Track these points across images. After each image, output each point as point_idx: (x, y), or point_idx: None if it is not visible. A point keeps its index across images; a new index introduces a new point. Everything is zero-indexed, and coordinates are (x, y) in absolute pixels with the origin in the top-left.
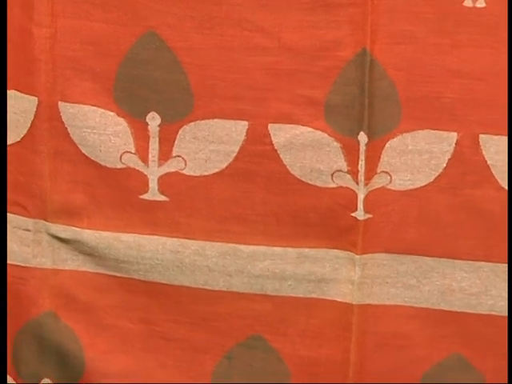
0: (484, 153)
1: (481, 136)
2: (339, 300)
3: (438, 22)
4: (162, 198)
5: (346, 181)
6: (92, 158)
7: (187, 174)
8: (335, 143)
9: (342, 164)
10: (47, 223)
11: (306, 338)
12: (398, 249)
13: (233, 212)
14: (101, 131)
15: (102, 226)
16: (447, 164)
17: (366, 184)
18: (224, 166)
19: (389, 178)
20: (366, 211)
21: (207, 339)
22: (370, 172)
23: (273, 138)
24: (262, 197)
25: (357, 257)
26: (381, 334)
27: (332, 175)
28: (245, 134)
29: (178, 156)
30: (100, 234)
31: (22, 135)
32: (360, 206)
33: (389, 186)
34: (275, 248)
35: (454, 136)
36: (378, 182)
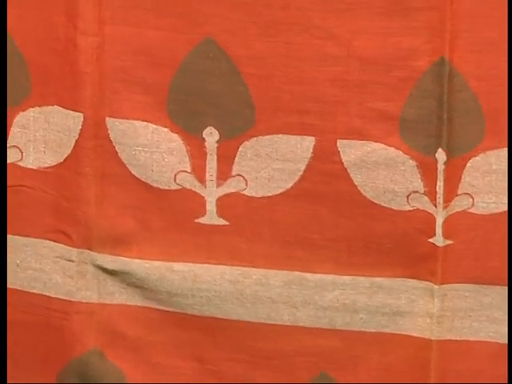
0: None
1: None
2: (416, 335)
3: None
4: (221, 221)
5: (424, 203)
6: (143, 179)
7: (248, 194)
8: (411, 161)
9: (419, 184)
10: (92, 253)
11: (378, 378)
12: (481, 279)
13: (299, 237)
14: (153, 149)
15: (153, 255)
16: None
17: (445, 207)
18: (289, 185)
19: (471, 200)
20: (446, 237)
21: (268, 380)
22: (450, 194)
23: (342, 156)
24: (330, 220)
25: (436, 287)
26: (463, 373)
27: (408, 197)
28: (311, 150)
29: (239, 175)
30: (151, 263)
31: (65, 156)
32: (439, 231)
33: (471, 210)
34: (345, 277)
35: None
36: (459, 204)
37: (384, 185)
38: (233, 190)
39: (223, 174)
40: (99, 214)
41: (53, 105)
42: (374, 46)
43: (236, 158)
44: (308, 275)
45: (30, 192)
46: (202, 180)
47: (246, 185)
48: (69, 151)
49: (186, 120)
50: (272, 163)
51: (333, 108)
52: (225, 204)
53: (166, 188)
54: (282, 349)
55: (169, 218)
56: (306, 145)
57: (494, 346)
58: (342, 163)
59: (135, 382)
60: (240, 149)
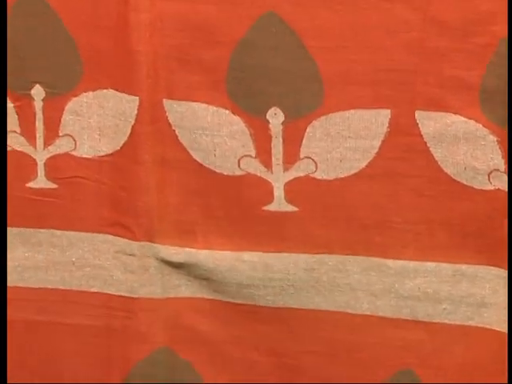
0: None
1: None
2: (498, 329)
3: None
4: (291, 207)
5: (504, 182)
6: (205, 165)
7: (319, 177)
8: (491, 136)
9: (500, 162)
10: (155, 245)
11: (463, 374)
12: None
13: (376, 220)
14: (214, 133)
15: (220, 245)
16: None
17: None
18: (363, 164)
19: None
20: None
21: (348, 374)
22: None
23: (421, 128)
24: (410, 200)
25: None
26: None
27: (489, 175)
28: (387, 124)
29: (308, 157)
30: (219, 254)
31: (121, 143)
32: None
33: None
34: (428, 263)
35: None
36: None
37: (465, 161)
38: (301, 174)
39: (290, 157)
40: (161, 203)
41: (107, 88)
42: (451, 10)
43: (304, 140)
44: (388, 261)
45: (85, 183)
46: (267, 164)
47: (316, 167)
48: (125, 138)
49: (247, 101)
50: (344, 142)
51: (409, 78)
52: (294, 189)
53: (231, 174)
54: (363, 341)
55: (235, 206)
56: (381, 119)
57: None
58: (422, 136)
59: (210, 380)
60: (308, 129)
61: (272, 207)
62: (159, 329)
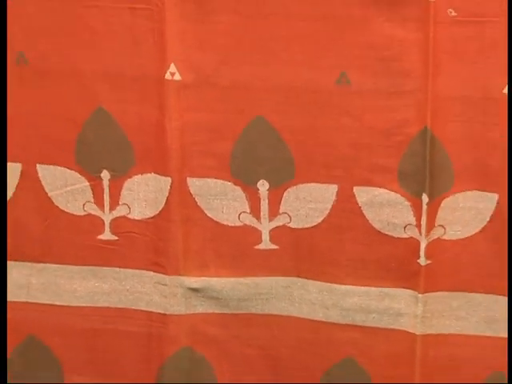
0: None
1: None
2: (409, 331)
3: (484, 105)
4: (273, 246)
5: (414, 233)
6: (216, 220)
7: (292, 227)
8: (406, 202)
9: (411, 219)
10: (181, 277)
11: (387, 361)
12: (452, 288)
13: (329, 257)
14: (222, 197)
15: (225, 274)
16: (491, 218)
17: (426, 235)
18: (320, 220)
19: (443, 230)
20: (427, 258)
21: (312, 360)
22: (430, 225)
23: (357, 198)
24: (351, 246)
25: (420, 295)
26: (438, 358)
27: (404, 228)
28: (335, 194)
29: (284, 213)
30: (224, 280)
31: (159, 209)
32: (422, 253)
33: (444, 237)
34: (362, 288)
35: (495, 196)
36: (436, 233)
37: (387, 219)
38: (280, 224)
39: (273, 213)
40: (185, 248)
41: (150, 172)
42: (379, 119)
43: (282, 201)
44: (336, 285)
45: (136, 236)
46: (258, 217)
47: (290, 219)
48: (162, 205)
49: (244, 176)
50: (308, 204)
51: (350, 164)
52: (275, 234)
53: (233, 225)
54: (320, 338)
55: (235, 246)
56: (331, 190)
57: (460, 338)
58: (358, 203)
59: (217, 367)
60: (284, 194)
61: (261, 246)
62: (183, 335)
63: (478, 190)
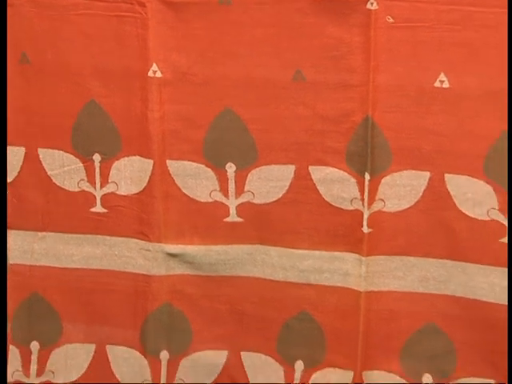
0: (448, 186)
1: (446, 175)
2: (355, 288)
3: (417, 97)
4: (239, 219)
5: (359, 205)
6: (191, 196)
7: (256, 202)
8: (352, 179)
9: (356, 193)
10: (162, 244)
11: (336, 313)
12: (390, 252)
13: (287, 227)
14: (196, 177)
15: (199, 242)
16: (423, 193)
17: (368, 208)
18: (280, 195)
19: (383, 203)
20: (369, 227)
21: (270, 314)
22: (371, 199)
23: (312, 176)
24: (306, 216)
25: (363, 258)
26: (379, 311)
27: (351, 201)
28: (293, 173)
29: (249, 191)
30: (198, 247)
31: (143, 186)
32: (365, 223)
33: (383, 209)
34: (316, 251)
35: (427, 174)
36: (377, 206)
37: (337, 194)
38: (245, 200)
39: (239, 191)
40: (165, 220)
41: (135, 155)
42: (329, 108)
43: (247, 181)
44: (294, 250)
45: (123, 209)
46: (226, 195)
47: (254, 196)
48: (145, 183)
49: (214, 159)
50: (269, 182)
51: (306, 147)
52: (241, 209)
53: (205, 201)
54: (279, 295)
55: (207, 219)
56: (289, 170)
57: (398, 294)
58: (312, 180)
59: (192, 319)
60: (249, 175)
61: (229, 219)
62: (163, 292)
63: (413, 169)
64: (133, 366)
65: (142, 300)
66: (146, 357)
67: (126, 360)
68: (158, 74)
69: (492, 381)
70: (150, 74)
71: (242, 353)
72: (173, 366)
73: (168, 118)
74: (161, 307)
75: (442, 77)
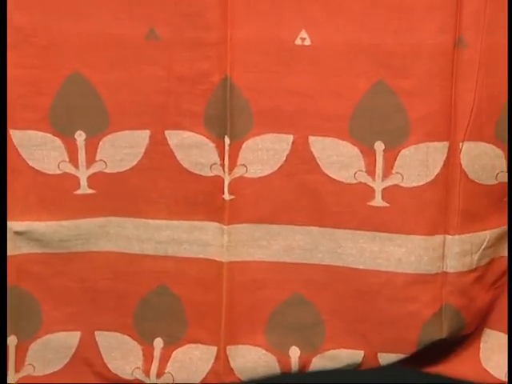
0: (312, 149)
1: (310, 137)
2: (216, 259)
3: (278, 55)
4: (91, 191)
5: (219, 171)
6: (37, 169)
7: (108, 172)
8: (211, 144)
9: (216, 159)
10: (9, 222)
11: (197, 286)
12: (253, 220)
13: (143, 196)
14: (43, 147)
15: (47, 218)
16: (286, 157)
17: (229, 173)
18: (135, 163)
19: (245, 168)
20: (230, 193)
21: (126, 289)
22: (232, 165)
23: (168, 141)
24: (163, 184)
25: (225, 227)
26: (243, 282)
27: (210, 167)
28: (148, 139)
29: (101, 160)
30: (46, 223)
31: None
32: (226, 190)
33: (246, 175)
34: (174, 221)
35: (290, 137)
36: (238, 171)
37: (195, 159)
38: (97, 170)
39: (90, 160)
40: (11, 196)
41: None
42: (185, 69)
43: (98, 149)
44: (150, 221)
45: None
46: (76, 166)
47: (106, 166)
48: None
49: (62, 127)
50: (123, 150)
51: (161, 110)
52: (92, 179)
53: (53, 173)
54: (135, 269)
55: (56, 192)
56: (144, 136)
57: (262, 264)
58: (169, 145)
59: (42, 299)
60: (100, 143)
61: (79, 192)
62: (13, 273)
63: (275, 132)
64: None
65: None
66: None
67: None
68: None
69: (362, 352)
70: None
71: (96, 332)
72: (21, 351)
73: (12, 84)
74: (10, 288)
75: (303, 34)
